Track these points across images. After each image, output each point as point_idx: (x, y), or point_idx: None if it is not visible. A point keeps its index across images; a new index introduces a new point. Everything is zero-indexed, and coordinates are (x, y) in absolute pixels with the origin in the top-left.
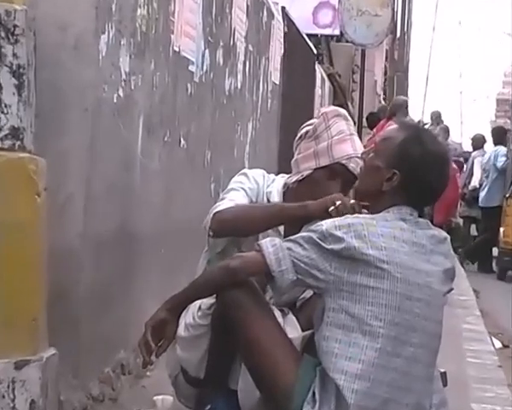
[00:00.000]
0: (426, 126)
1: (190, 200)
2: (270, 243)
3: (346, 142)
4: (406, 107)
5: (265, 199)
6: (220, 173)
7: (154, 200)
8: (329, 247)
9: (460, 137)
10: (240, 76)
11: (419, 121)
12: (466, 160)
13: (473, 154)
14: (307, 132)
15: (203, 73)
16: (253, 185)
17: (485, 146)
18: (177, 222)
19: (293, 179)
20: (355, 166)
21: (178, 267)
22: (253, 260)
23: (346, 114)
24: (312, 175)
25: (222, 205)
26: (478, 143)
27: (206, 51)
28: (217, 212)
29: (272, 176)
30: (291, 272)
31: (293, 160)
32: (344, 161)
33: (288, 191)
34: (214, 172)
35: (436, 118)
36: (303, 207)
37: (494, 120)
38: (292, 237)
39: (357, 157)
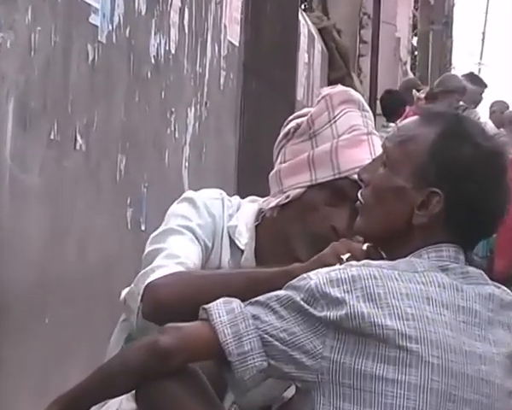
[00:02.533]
0: (465, 112)
1: (93, 235)
2: (225, 308)
3: (361, 145)
4: (463, 95)
5: (226, 239)
6: (142, 192)
7: (32, 236)
8: (322, 314)
9: None
10: (174, 33)
11: (450, 105)
12: None
13: None
14: (298, 128)
15: (114, 28)
16: (206, 220)
17: None
18: (71, 272)
19: (273, 204)
20: None
21: (73, 348)
22: (196, 335)
23: (362, 99)
24: (304, 197)
25: (159, 269)
26: None
27: None
28: (151, 284)
29: (236, 199)
30: (259, 355)
31: (273, 172)
32: (357, 176)
33: (262, 224)
34: (132, 189)
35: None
36: (286, 273)
37: None
38: (260, 298)
39: None
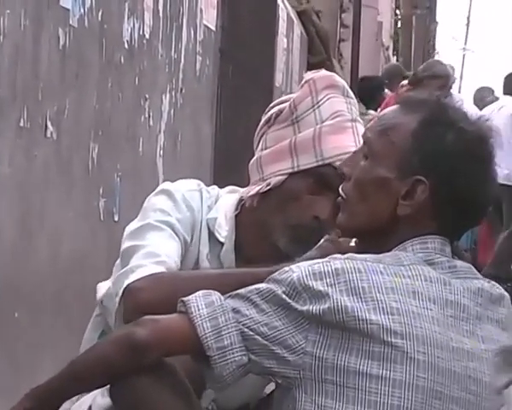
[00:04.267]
0: (446, 99)
1: (64, 226)
2: (204, 301)
3: (345, 131)
4: (449, 82)
5: (204, 233)
6: (115, 182)
7: (1, 228)
8: (304, 308)
9: None
10: (148, 17)
11: (431, 93)
12: None
13: None
14: (280, 113)
15: (86, 12)
16: (185, 213)
17: None
18: (42, 266)
19: (253, 192)
20: None
21: (43, 342)
22: (173, 328)
23: (346, 85)
24: (286, 185)
25: (138, 270)
26: None
27: None
28: (131, 286)
29: (215, 190)
30: (239, 349)
31: (254, 159)
32: (340, 163)
33: (242, 214)
34: (105, 179)
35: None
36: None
37: None
38: (241, 291)
39: None
